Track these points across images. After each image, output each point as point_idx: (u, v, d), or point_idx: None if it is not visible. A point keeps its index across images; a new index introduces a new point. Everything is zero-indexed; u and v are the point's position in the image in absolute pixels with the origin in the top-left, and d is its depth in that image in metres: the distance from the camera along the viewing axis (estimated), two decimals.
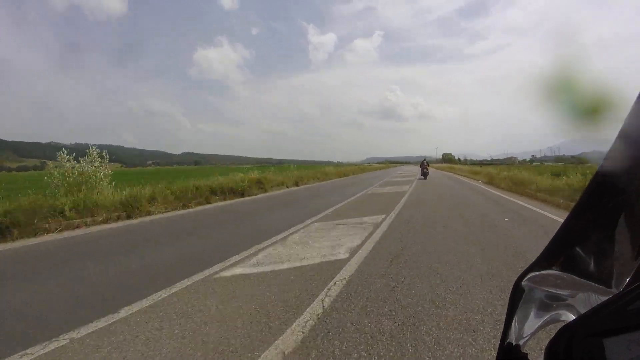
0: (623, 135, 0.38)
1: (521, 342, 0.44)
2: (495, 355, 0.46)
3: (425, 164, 20.65)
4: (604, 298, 0.38)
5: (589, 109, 0.57)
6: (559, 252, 0.45)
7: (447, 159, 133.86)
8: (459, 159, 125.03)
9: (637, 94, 0.36)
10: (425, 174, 19.79)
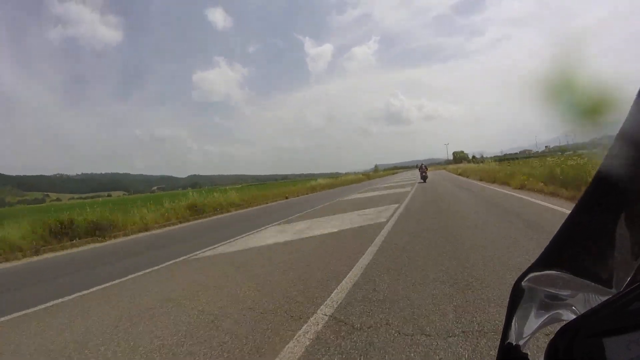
0: (623, 135, 0.38)
1: (521, 342, 0.44)
2: (495, 355, 0.46)
3: (424, 167, 22.58)
4: (604, 298, 0.38)
5: (588, 107, 0.57)
6: (559, 252, 0.45)
7: (459, 157, 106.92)
8: (473, 157, 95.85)
9: (636, 93, 0.36)
10: (424, 177, 21.49)
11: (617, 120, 0.40)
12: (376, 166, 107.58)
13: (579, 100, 0.58)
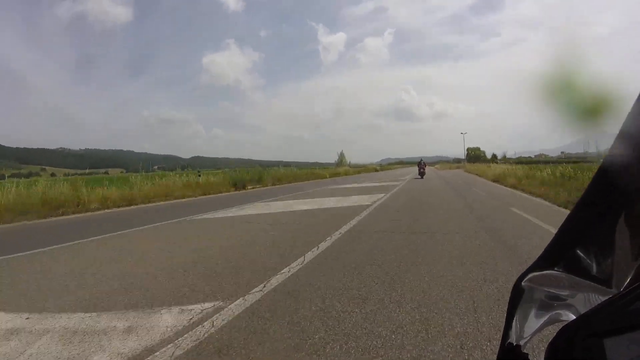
0: (623, 135, 0.38)
1: (521, 342, 0.44)
2: (495, 355, 0.46)
3: (423, 164, 22.82)
4: (604, 298, 0.38)
5: (590, 109, 0.57)
6: (559, 253, 0.45)
7: (474, 155, 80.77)
8: (494, 156, 72.02)
9: (637, 94, 0.36)
10: (422, 174, 21.78)
11: (617, 120, 0.40)
12: (341, 155, 62.37)
13: (579, 101, 0.58)
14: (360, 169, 47.99)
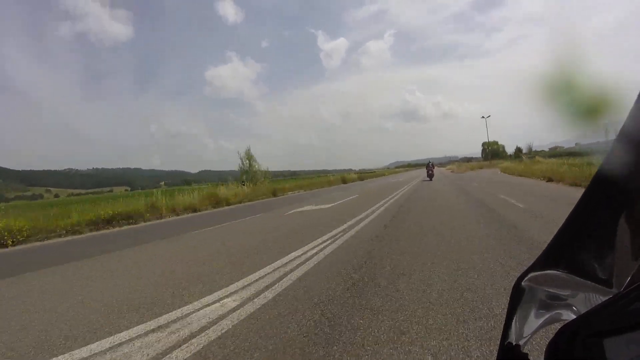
0: (623, 135, 0.38)
1: (521, 342, 0.44)
2: (495, 355, 0.46)
3: (431, 166, 21.95)
4: (604, 298, 0.38)
5: (588, 107, 0.57)
6: (559, 252, 0.45)
7: (491, 151, 65.37)
8: (518, 150, 56.61)
9: (637, 94, 0.36)
10: (430, 176, 20.83)
11: (617, 120, 0.40)
12: (247, 155, 25.53)
13: (579, 101, 0.58)
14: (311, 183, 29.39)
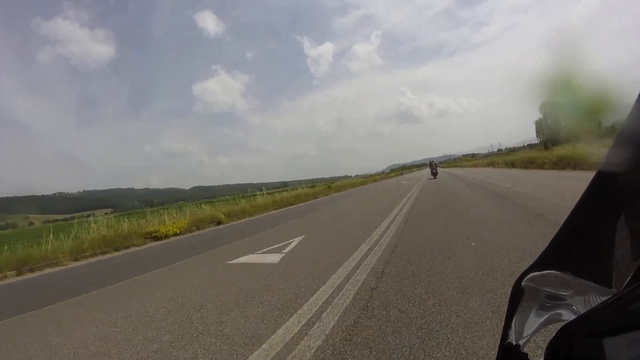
0: (623, 135, 0.38)
1: (521, 342, 0.44)
2: (495, 355, 0.45)
3: (434, 164, 23.89)
4: (604, 298, 0.38)
5: (588, 107, 0.57)
6: (559, 252, 0.45)
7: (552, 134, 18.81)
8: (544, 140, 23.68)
9: (637, 94, 0.36)
10: (434, 174, 22.53)
11: (617, 120, 0.40)
12: None
13: (579, 101, 0.58)
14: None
